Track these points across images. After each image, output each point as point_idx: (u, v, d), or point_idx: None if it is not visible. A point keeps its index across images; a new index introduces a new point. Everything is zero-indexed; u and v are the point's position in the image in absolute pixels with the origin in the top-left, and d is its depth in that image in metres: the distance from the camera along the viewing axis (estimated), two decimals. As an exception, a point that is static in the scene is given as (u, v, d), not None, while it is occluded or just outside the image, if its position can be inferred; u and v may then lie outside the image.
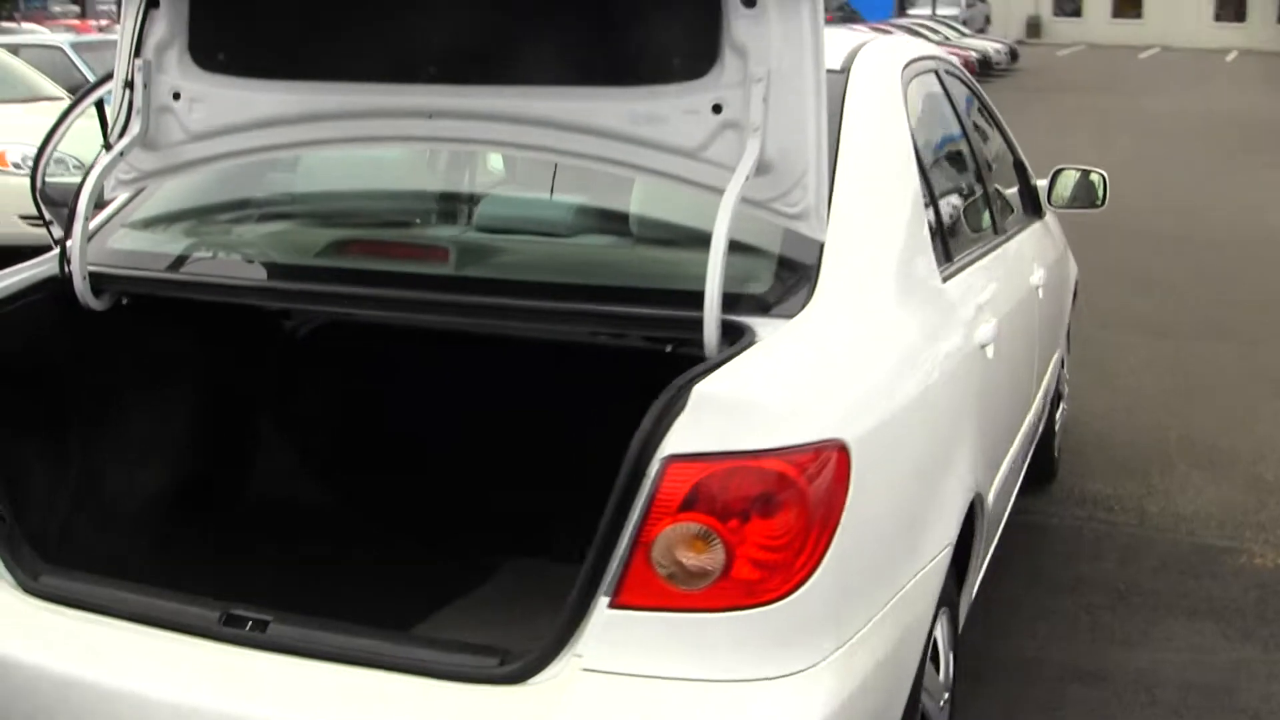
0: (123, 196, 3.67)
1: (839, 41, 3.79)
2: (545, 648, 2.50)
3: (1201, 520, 6.09)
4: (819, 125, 2.86)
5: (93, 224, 3.47)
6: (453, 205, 4.10)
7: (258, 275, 3.54)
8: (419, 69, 3.15)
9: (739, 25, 2.87)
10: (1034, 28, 65.47)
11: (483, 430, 3.86)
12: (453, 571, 3.59)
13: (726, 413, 2.46)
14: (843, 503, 2.52)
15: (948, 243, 3.75)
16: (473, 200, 4.00)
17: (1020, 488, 5.99)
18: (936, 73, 4.47)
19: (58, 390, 3.32)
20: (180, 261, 3.54)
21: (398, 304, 3.28)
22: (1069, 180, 5.65)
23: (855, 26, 38.36)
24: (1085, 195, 5.64)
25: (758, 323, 2.81)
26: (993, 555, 5.18)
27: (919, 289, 3.31)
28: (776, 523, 2.43)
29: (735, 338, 2.74)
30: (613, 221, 3.61)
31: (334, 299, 3.40)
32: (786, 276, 2.99)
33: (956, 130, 4.50)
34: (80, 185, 3.34)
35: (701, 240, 2.81)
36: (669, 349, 2.85)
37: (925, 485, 3.04)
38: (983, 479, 3.57)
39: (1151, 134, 24.98)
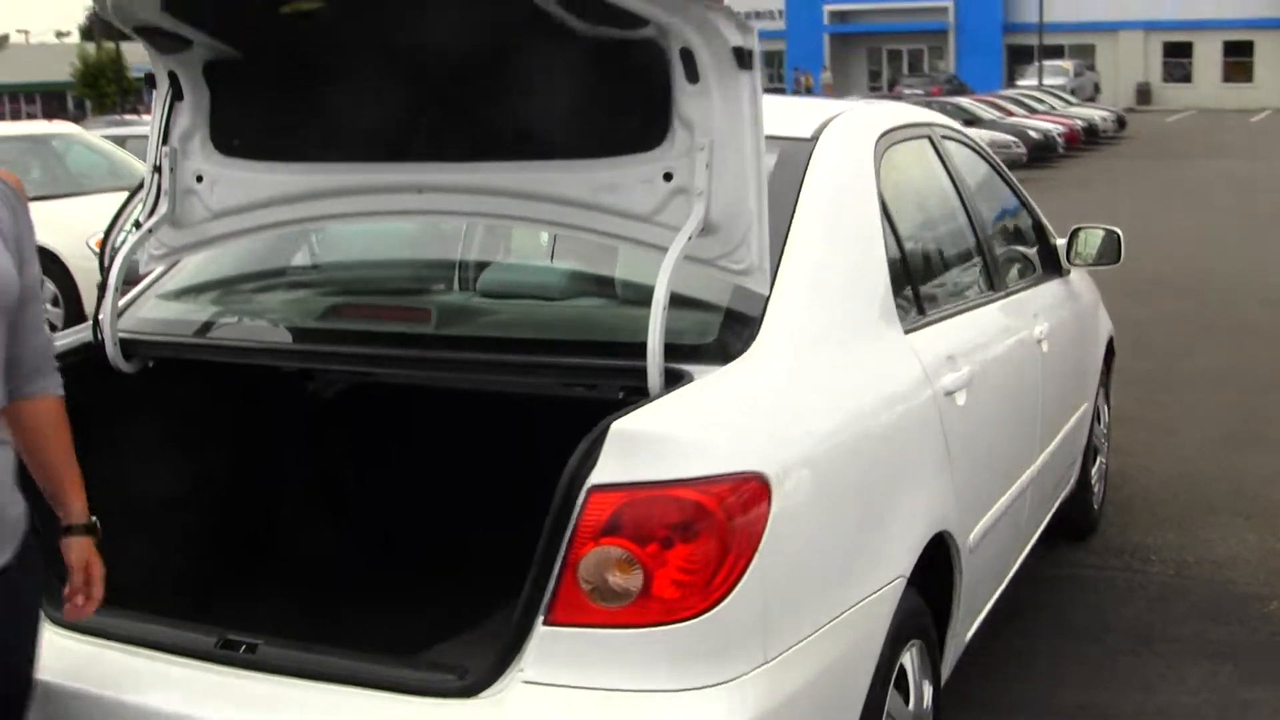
0: (157, 270, 4.04)
1: (817, 111, 4.07)
2: (493, 664, 2.78)
3: (1237, 567, 6.18)
4: (759, 189, 3.13)
5: (130, 296, 3.86)
6: (454, 272, 4.45)
7: (266, 338, 3.92)
8: (409, 149, 3.51)
9: (685, 100, 3.16)
10: (1144, 94, 65.20)
11: (467, 475, 4.18)
12: (436, 597, 3.91)
13: (642, 447, 2.73)
14: (762, 530, 2.76)
15: (920, 298, 3.99)
16: (477, 267, 4.33)
17: (1055, 540, 6.19)
18: (930, 139, 4.72)
19: (91, 442, 3.66)
20: (205, 328, 3.91)
21: (384, 360, 3.61)
22: (1088, 239, 5.84)
23: (959, 100, 38.56)
24: (1104, 253, 5.82)
25: (699, 369, 3.07)
26: (1019, 603, 5.39)
27: (869, 339, 3.55)
28: (693, 547, 2.68)
29: (677, 382, 3.01)
30: (600, 285, 3.91)
31: (328, 358, 3.76)
32: (732, 327, 3.25)
33: (949, 192, 4.72)
34: (110, 261, 3.71)
35: (671, 299, 3.10)
36: (620, 396, 3.11)
37: (865, 518, 3.26)
38: (955, 519, 3.77)
39: (1253, 196, 24.83)
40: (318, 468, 4.41)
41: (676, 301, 3.18)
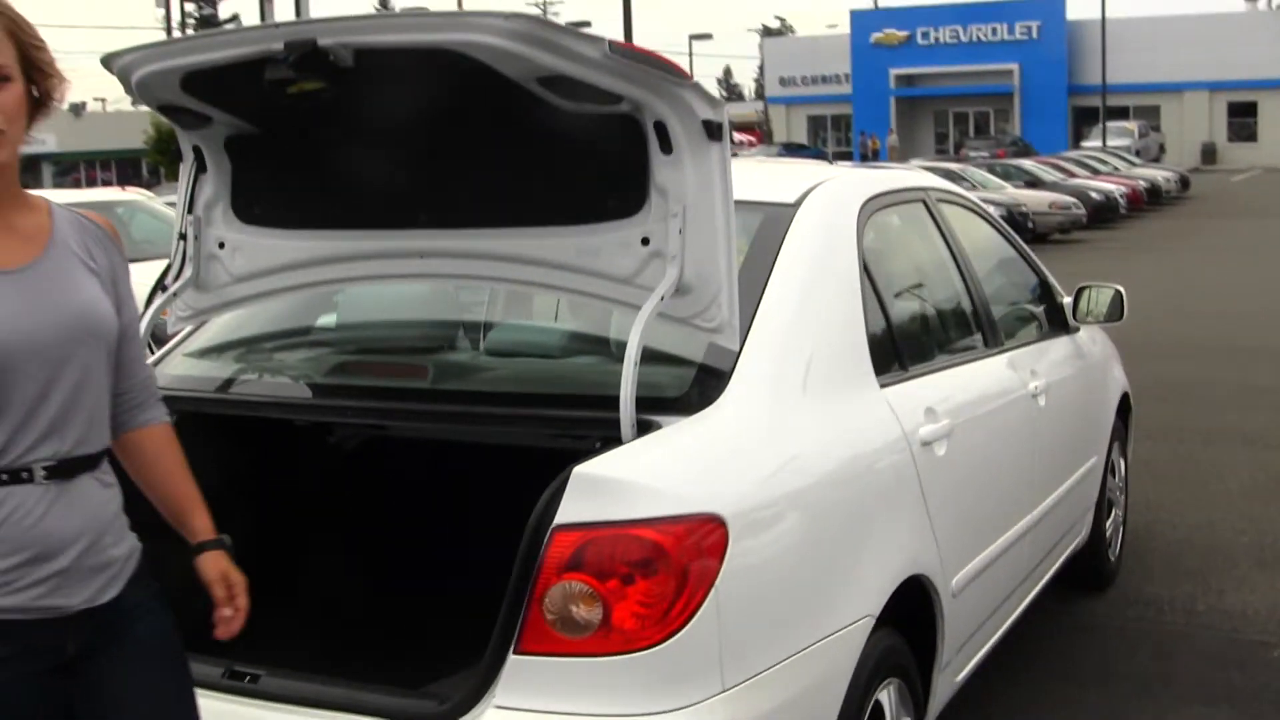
0: (184, 330, 4.33)
1: (805, 179, 4.32)
2: (471, 691, 3.04)
3: (1246, 617, 6.32)
4: (729, 251, 3.39)
5: (159, 354, 4.17)
6: (462, 331, 4.74)
7: (281, 393, 4.24)
8: (413, 217, 3.80)
9: (660, 170, 3.43)
10: (1209, 154, 65.14)
11: (463, 518, 4.45)
12: (435, 631, 4.15)
13: (602, 490, 2.97)
14: (717, 567, 3.00)
15: (901, 354, 4.22)
16: (486, 328, 4.62)
17: (1071, 591, 6.38)
18: (924, 202, 4.96)
19: (126, 487, 3.95)
20: (226, 384, 4.20)
21: (385, 414, 3.90)
22: (1092, 297, 6.04)
23: (1021, 162, 38.63)
24: (1108, 310, 6.02)
25: (670, 419, 3.32)
26: (1029, 650, 5.58)
27: (840, 392, 3.77)
28: (651, 583, 2.92)
29: (647, 431, 3.26)
30: (596, 344, 4.19)
31: (335, 411, 4.07)
32: (704, 381, 3.50)
33: (942, 253, 4.95)
34: (140, 323, 4.00)
35: (650, 355, 3.37)
36: (596, 445, 3.35)
37: (828, 559, 3.47)
38: (933, 563, 3.97)
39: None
40: (327, 514, 4.67)
41: (655, 357, 3.44)
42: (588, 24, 72.20)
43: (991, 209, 24.95)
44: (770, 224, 3.97)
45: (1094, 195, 34.49)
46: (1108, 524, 6.65)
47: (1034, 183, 34.73)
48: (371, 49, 3.28)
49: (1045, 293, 6.06)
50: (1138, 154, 54.57)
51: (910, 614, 3.94)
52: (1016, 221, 27.89)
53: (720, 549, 3.02)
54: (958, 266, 4.99)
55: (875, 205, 4.44)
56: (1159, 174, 44.62)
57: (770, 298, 3.69)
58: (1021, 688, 5.49)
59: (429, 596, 4.42)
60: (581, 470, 3.01)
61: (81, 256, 2.79)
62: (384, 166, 3.78)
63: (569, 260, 3.59)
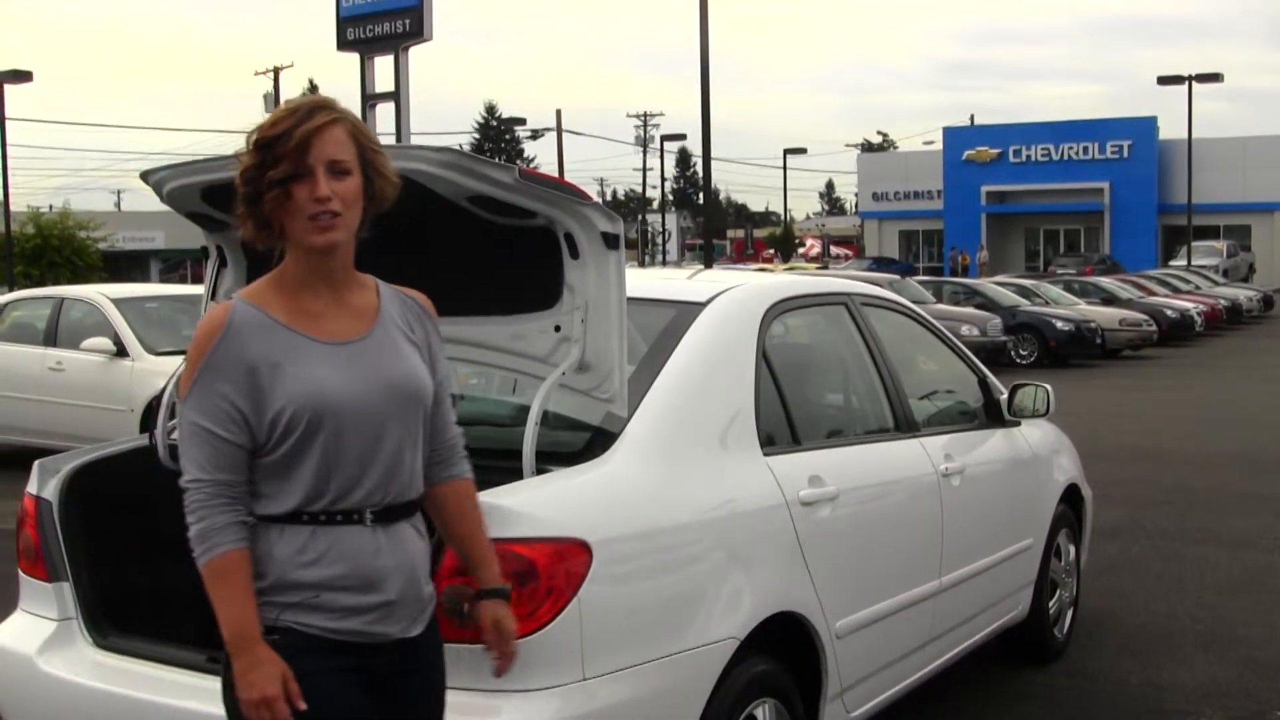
0: None
1: (721, 283, 5.19)
2: None
3: (1175, 689, 6.95)
4: (621, 338, 4.22)
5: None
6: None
7: None
8: None
9: (570, 271, 4.28)
10: (1301, 274, 65.02)
11: None
12: None
13: (492, 514, 3.71)
14: (580, 579, 3.81)
15: (795, 430, 5.03)
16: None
17: (1017, 661, 7.09)
18: (846, 306, 5.78)
19: (144, 517, 4.82)
20: None
21: None
22: (1025, 394, 6.81)
23: (1099, 280, 38.95)
24: (1036, 406, 6.78)
25: (562, 468, 4.13)
26: (963, 710, 6.29)
27: (718, 456, 4.58)
28: (525, 588, 3.71)
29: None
30: (517, 411, 4.98)
31: None
32: (598, 439, 4.31)
33: (858, 350, 5.76)
34: (165, 386, 4.91)
35: (563, 422, 4.25)
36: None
37: (692, 586, 4.25)
38: (810, 604, 4.71)
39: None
40: None
41: (561, 422, 4.30)
42: (683, 137, 73.66)
43: (1061, 324, 25.60)
44: (679, 318, 4.81)
45: (1169, 313, 34.96)
46: (1051, 603, 7.33)
47: (1110, 300, 35.24)
48: None
49: (983, 390, 6.81)
50: (1225, 273, 54.83)
51: (793, 647, 4.72)
52: (1085, 337, 28.51)
53: (584, 566, 3.83)
54: (873, 361, 5.78)
55: (784, 307, 5.27)
56: (1241, 293, 45.00)
57: (665, 375, 4.53)
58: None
59: None
60: (479, 498, 3.82)
61: (404, 329, 3.30)
62: (360, 264, 4.65)
63: (502, 343, 4.45)
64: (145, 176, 4.62)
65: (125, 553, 4.74)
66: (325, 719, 3.10)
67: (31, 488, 4.68)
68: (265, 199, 3.11)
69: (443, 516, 3.45)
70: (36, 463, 4.75)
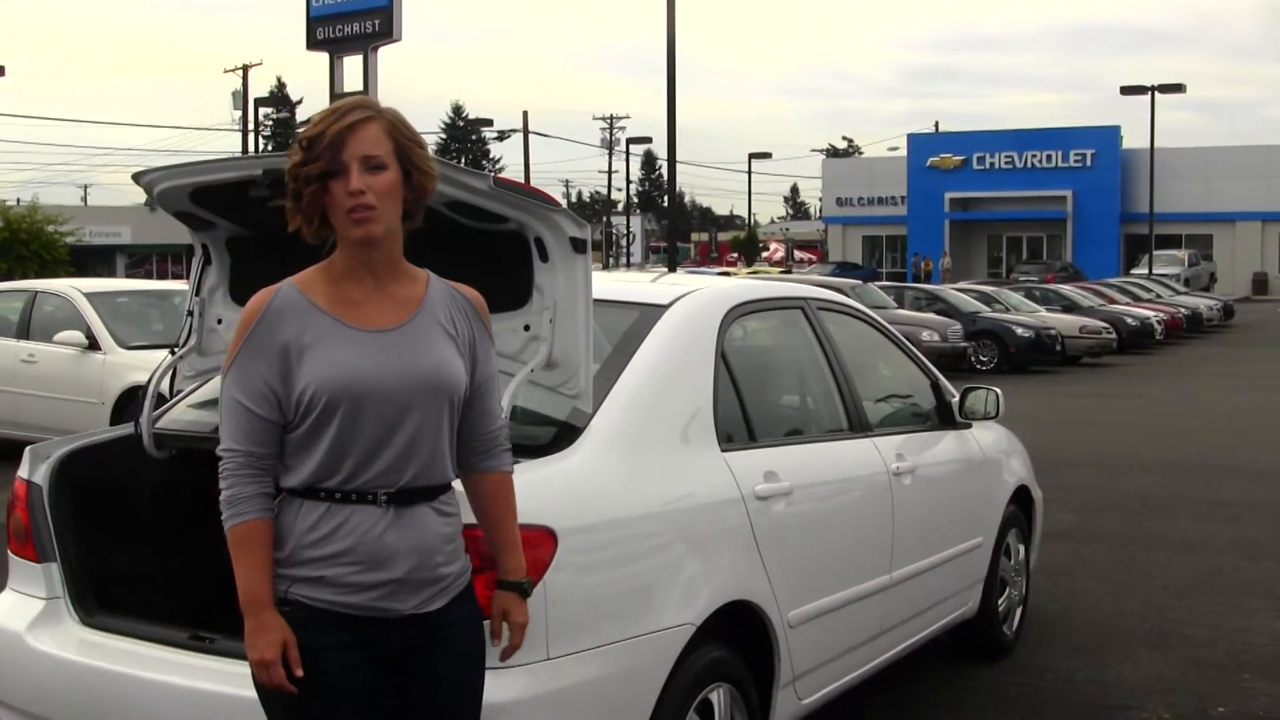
0: (190, 387, 5.36)
1: (682, 286, 5.38)
2: None
3: (1119, 686, 7.15)
4: (587, 337, 4.41)
5: (167, 405, 5.21)
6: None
7: None
8: None
9: (539, 274, 4.47)
10: (1261, 284, 65.80)
11: None
12: None
13: (464, 502, 3.91)
14: (546, 563, 3.99)
15: (752, 428, 5.24)
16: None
17: (969, 657, 7.31)
18: (803, 310, 5.99)
19: (132, 502, 4.98)
20: (217, 428, 5.20)
21: None
22: (975, 397, 7.03)
23: (1060, 287, 39.13)
24: (987, 409, 7.00)
25: (530, 460, 4.31)
26: (910, 703, 6.50)
27: (677, 451, 4.77)
28: (493, 571, 3.88)
29: None
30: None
31: None
32: (564, 434, 4.49)
33: (813, 352, 5.97)
34: (150, 378, 5.09)
35: (532, 417, 4.49)
36: None
37: (651, 574, 4.44)
38: (763, 594, 4.90)
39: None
40: None
41: (530, 417, 4.49)
42: (649, 140, 73.78)
43: (1021, 330, 26.06)
44: (642, 319, 5.00)
45: (1129, 321, 35.33)
46: (1000, 601, 7.54)
47: (1070, 307, 35.61)
48: None
49: (935, 392, 7.03)
50: (1186, 282, 55.34)
51: (747, 635, 4.92)
52: (1044, 343, 28.84)
53: (550, 552, 4.02)
54: (828, 363, 5.99)
55: (742, 310, 5.47)
56: (1202, 302, 45.45)
57: (628, 374, 4.72)
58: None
59: None
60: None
61: (444, 323, 3.46)
62: None
63: None
64: (137, 178, 4.80)
65: (111, 535, 4.92)
66: (325, 692, 3.30)
67: (23, 472, 4.87)
68: (304, 194, 3.35)
69: (476, 504, 3.65)
70: (28, 449, 4.94)
